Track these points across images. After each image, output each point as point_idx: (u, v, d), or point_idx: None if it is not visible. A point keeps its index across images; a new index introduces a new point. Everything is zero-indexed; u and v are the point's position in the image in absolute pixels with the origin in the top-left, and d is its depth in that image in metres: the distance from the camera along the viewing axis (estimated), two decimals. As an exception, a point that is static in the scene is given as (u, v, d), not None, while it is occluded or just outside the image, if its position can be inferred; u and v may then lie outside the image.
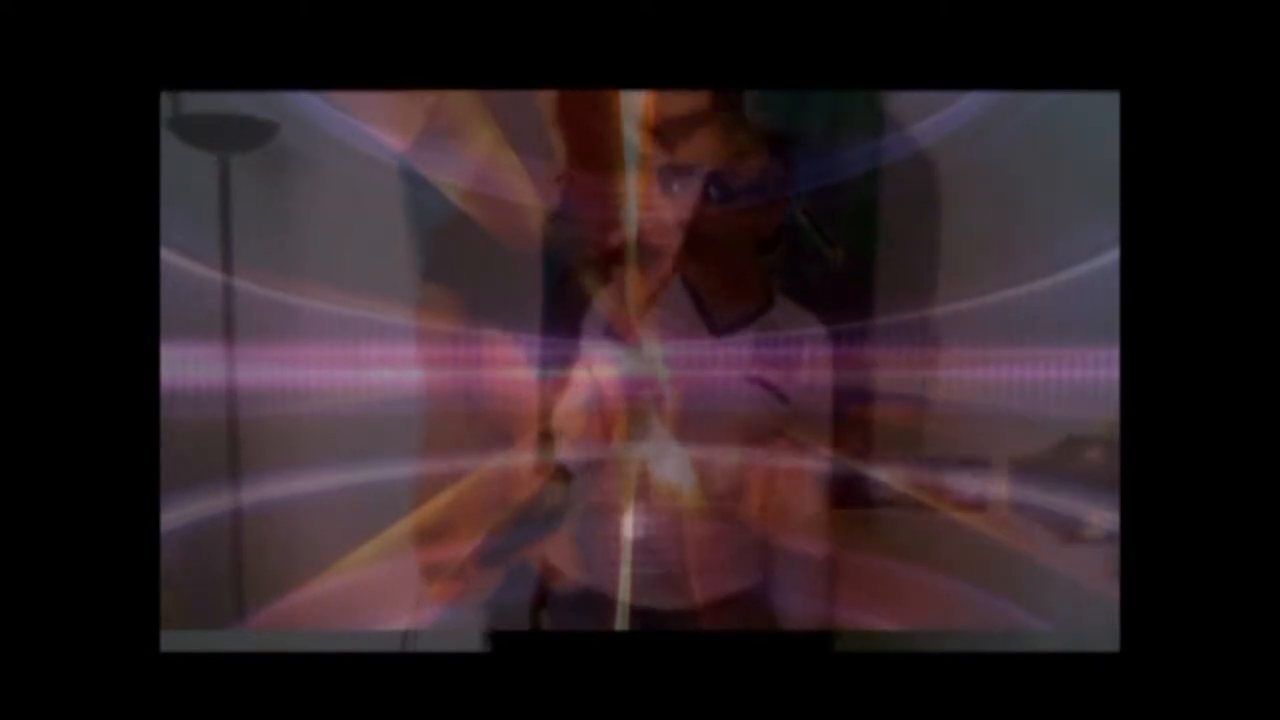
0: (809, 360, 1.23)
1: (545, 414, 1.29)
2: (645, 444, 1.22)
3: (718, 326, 1.24)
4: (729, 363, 1.23)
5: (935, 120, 1.32)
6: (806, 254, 1.30)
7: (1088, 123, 1.22)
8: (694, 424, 1.22)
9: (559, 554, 1.27)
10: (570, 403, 1.26)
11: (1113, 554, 0.98)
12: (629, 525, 1.22)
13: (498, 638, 1.31)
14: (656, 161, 1.24)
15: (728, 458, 1.22)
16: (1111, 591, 1.00)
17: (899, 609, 1.25)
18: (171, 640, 1.08)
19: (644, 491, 1.22)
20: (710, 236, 1.21)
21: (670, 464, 1.22)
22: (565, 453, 1.26)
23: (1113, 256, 1.08)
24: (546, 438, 1.28)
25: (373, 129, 1.38)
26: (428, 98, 1.37)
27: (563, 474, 1.27)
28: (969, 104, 1.29)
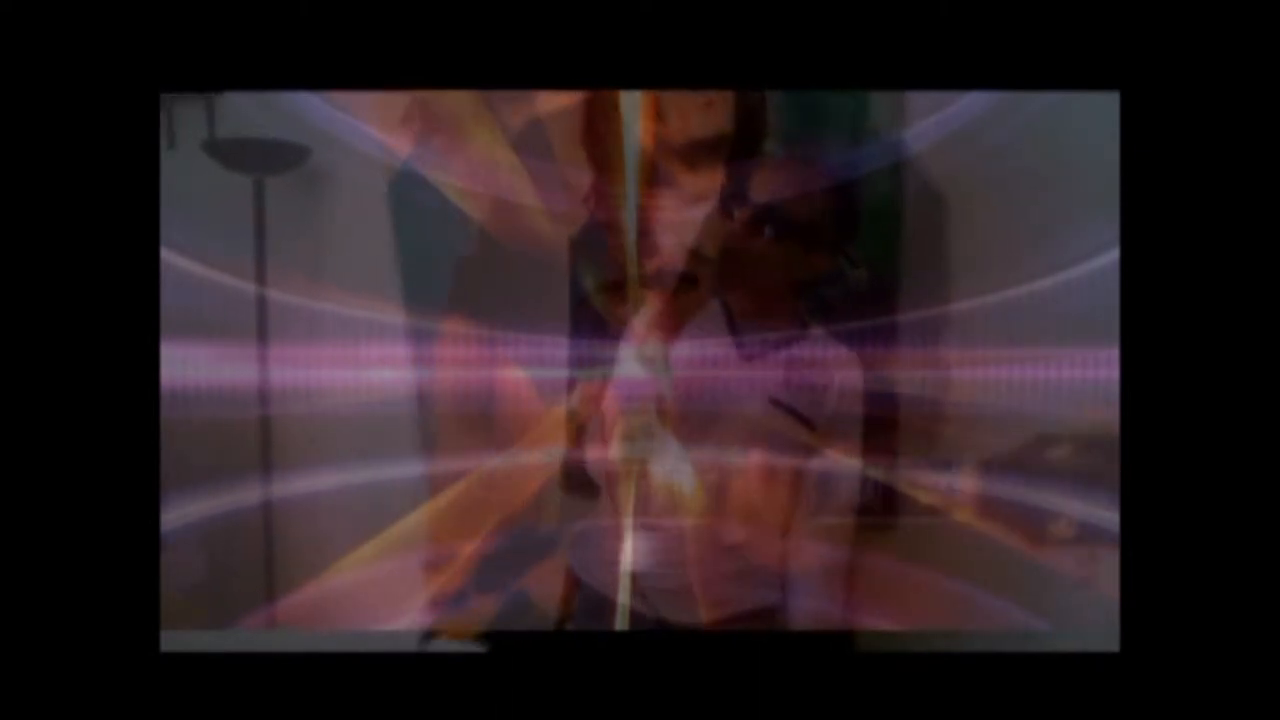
0: (837, 387, 1.22)
1: (565, 424, 1.29)
2: (650, 448, 1.22)
3: (749, 352, 1.23)
4: (750, 383, 1.23)
5: (935, 120, 1.32)
6: (829, 275, 1.30)
7: (1088, 123, 1.22)
8: (702, 433, 1.22)
9: (549, 586, 1.27)
10: (583, 409, 1.26)
11: (1089, 551, 0.98)
12: (630, 531, 1.22)
13: (500, 638, 1.31)
14: (719, 187, 1.25)
15: (737, 469, 1.21)
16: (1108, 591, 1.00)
17: (897, 609, 1.25)
18: (171, 640, 1.09)
19: (647, 498, 1.22)
20: (752, 266, 1.21)
21: (674, 469, 1.22)
22: (586, 462, 1.26)
23: (1113, 256, 1.08)
24: (570, 447, 1.28)
25: (395, 143, 1.39)
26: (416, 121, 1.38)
27: (587, 487, 1.26)
28: (969, 104, 1.29)
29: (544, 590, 1.29)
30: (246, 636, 1.45)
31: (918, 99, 1.37)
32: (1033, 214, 1.37)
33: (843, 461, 1.21)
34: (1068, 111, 1.26)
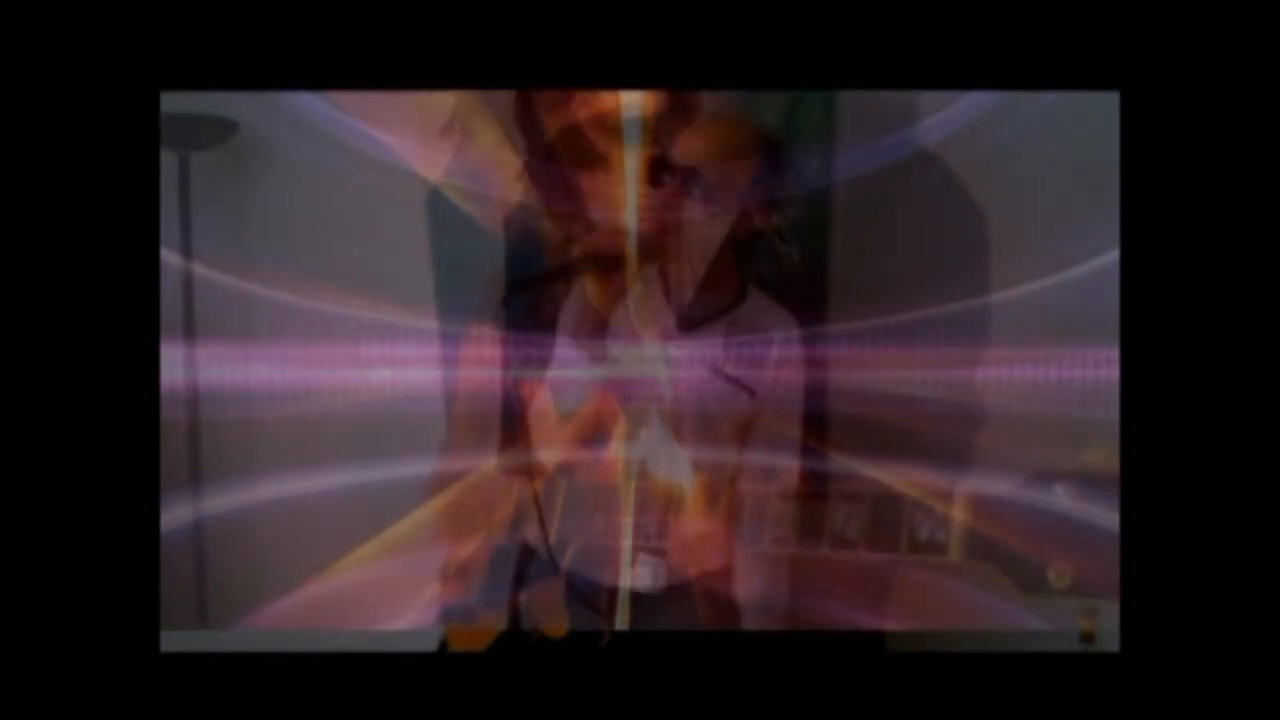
0: (778, 355, 1.23)
1: (539, 417, 1.29)
2: (648, 447, 1.22)
3: (686, 321, 1.24)
4: (692, 358, 1.23)
5: (935, 120, 1.32)
6: (762, 251, 1.30)
7: (1088, 123, 1.22)
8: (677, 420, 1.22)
9: (545, 605, 1.27)
10: (564, 404, 1.26)
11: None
12: (623, 520, 1.22)
13: (502, 638, 1.31)
14: (644, 156, 1.24)
15: (697, 451, 1.22)
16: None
17: (896, 608, 1.25)
18: (171, 640, 1.09)
19: (633, 486, 1.22)
20: (686, 233, 1.22)
21: (672, 466, 1.22)
22: (560, 456, 1.26)
23: (1113, 256, 1.08)
24: (539, 440, 1.28)
25: (360, 123, 1.38)
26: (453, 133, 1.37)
27: (564, 476, 1.26)
28: (969, 104, 1.29)
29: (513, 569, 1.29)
30: (246, 636, 1.44)
31: (917, 98, 1.37)
32: (1033, 214, 1.37)
33: (818, 453, 1.22)
34: (1068, 111, 1.26)
